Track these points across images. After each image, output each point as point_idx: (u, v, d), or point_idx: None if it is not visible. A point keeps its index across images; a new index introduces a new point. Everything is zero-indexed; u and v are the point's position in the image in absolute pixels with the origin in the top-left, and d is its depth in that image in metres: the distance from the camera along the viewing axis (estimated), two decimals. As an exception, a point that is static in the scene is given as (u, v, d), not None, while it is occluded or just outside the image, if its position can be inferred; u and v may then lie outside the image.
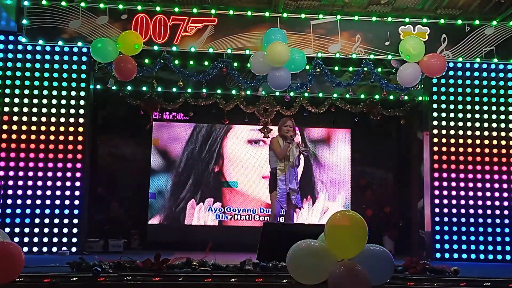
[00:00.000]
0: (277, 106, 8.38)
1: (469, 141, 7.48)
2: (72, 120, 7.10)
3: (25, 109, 7.06)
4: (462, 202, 7.36)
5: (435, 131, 7.52)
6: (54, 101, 7.10)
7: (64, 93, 7.14)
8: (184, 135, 9.08)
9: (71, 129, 7.08)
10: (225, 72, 7.43)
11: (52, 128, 7.05)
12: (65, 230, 6.91)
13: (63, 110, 7.11)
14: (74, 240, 6.92)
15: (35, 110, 7.07)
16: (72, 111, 7.12)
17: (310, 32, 7.38)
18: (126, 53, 6.75)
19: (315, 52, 7.35)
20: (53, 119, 7.07)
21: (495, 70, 7.64)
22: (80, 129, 7.10)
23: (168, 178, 8.97)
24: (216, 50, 7.28)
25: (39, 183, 6.95)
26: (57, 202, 6.95)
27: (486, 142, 7.49)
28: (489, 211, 7.34)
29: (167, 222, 8.88)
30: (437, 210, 7.36)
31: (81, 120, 7.12)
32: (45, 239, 6.87)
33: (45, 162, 6.99)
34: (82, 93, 7.17)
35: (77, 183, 7.01)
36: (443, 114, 7.55)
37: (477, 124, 7.54)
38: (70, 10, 7.11)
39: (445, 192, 7.38)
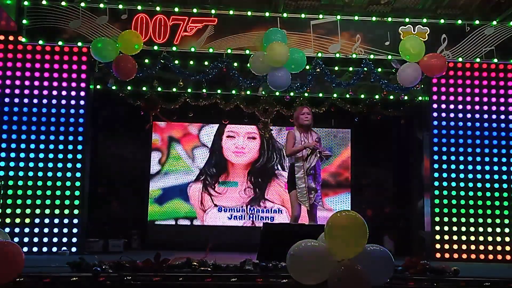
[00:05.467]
0: (277, 106, 8.38)
1: (469, 141, 7.49)
2: (72, 120, 7.10)
3: (25, 109, 7.06)
4: (462, 202, 7.37)
5: (435, 131, 7.52)
6: (54, 101, 7.10)
7: (64, 93, 7.13)
8: (183, 135, 9.08)
9: (71, 129, 7.08)
10: (225, 72, 7.42)
11: (52, 128, 7.05)
12: (65, 230, 6.91)
13: (63, 110, 7.10)
14: (74, 240, 6.92)
15: (35, 110, 7.07)
16: (72, 111, 7.12)
17: (310, 32, 7.38)
18: (126, 53, 6.74)
19: (315, 52, 7.34)
20: (53, 119, 7.07)
21: (495, 70, 7.63)
22: (80, 129, 7.10)
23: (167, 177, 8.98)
24: (216, 50, 7.28)
25: (39, 183, 6.94)
26: (57, 202, 6.94)
27: (486, 142, 7.49)
28: (489, 211, 7.35)
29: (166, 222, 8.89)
30: (437, 210, 7.36)
31: (81, 120, 7.12)
32: (45, 239, 6.87)
33: (45, 162, 6.99)
34: (82, 93, 7.16)
35: (77, 183, 7.00)
36: (443, 114, 7.55)
37: (477, 124, 7.53)
38: (70, 10, 7.11)
39: (445, 192, 7.38)
